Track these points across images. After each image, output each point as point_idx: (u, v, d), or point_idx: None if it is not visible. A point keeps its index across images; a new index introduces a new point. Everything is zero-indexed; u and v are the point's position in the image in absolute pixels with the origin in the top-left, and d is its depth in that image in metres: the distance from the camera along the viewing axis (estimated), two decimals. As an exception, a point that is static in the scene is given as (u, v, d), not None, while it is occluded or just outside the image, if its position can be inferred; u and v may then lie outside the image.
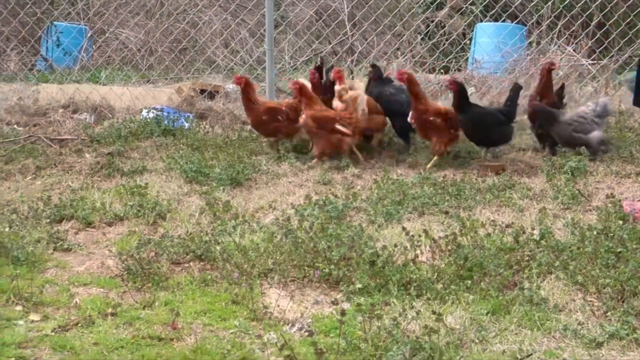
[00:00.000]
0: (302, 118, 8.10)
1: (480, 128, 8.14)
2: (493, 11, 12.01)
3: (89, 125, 9.59)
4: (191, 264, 5.61)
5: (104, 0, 12.99)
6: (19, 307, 4.96)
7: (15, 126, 9.60)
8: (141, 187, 7.15)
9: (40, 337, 4.55)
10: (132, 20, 12.60)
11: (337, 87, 8.61)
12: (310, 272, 5.28)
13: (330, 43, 12.66)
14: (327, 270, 5.22)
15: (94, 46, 12.96)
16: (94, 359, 4.31)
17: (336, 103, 8.47)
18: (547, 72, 8.69)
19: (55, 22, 12.78)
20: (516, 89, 8.39)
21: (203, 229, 6.10)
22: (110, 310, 4.85)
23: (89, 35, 12.75)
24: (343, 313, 4.17)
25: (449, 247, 5.40)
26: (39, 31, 12.82)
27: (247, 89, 8.63)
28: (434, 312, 4.37)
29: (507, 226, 5.80)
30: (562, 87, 9.00)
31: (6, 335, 4.55)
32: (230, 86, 10.84)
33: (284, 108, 8.58)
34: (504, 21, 12.21)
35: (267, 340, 4.37)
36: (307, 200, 6.68)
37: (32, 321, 4.79)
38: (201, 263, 5.61)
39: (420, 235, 5.52)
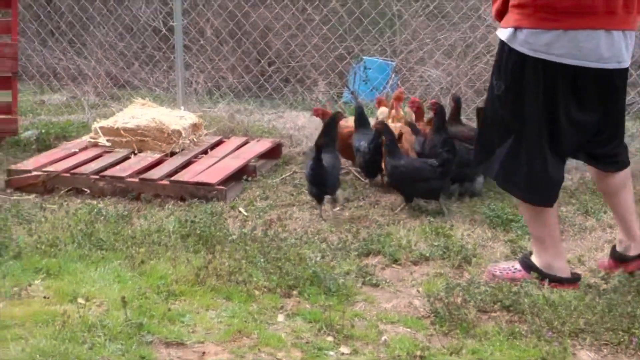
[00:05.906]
0: None
1: None
2: None
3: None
4: (498, 313, 5.54)
5: (409, 38, 13.17)
6: (330, 338, 5.12)
7: (325, 156, 9.94)
8: (446, 229, 7.19)
9: (351, 371, 4.68)
10: (438, 58, 12.70)
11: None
12: (625, 338, 5.04)
13: None
14: (644, 337, 4.97)
15: (399, 82, 13.19)
16: (404, 400, 4.37)
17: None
18: None
19: (365, 57, 13.17)
20: None
21: (511, 279, 6.00)
22: (419, 352, 4.88)
23: (395, 70, 13.00)
24: (668, 389, 3.95)
25: None
26: (351, 65, 13.28)
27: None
28: None
29: None
30: None
31: (319, 366, 4.73)
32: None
33: None
34: None
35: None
36: (619, 258, 6.40)
37: (342, 353, 4.93)
38: (509, 314, 5.50)
39: None
